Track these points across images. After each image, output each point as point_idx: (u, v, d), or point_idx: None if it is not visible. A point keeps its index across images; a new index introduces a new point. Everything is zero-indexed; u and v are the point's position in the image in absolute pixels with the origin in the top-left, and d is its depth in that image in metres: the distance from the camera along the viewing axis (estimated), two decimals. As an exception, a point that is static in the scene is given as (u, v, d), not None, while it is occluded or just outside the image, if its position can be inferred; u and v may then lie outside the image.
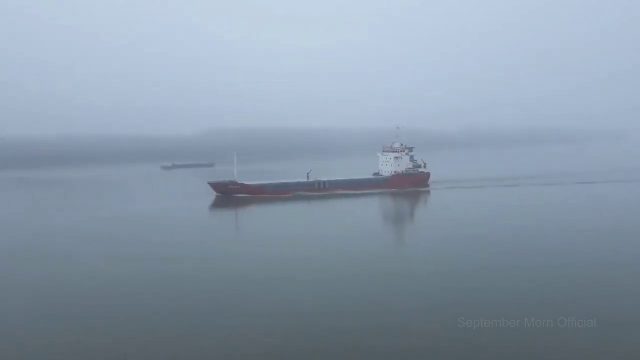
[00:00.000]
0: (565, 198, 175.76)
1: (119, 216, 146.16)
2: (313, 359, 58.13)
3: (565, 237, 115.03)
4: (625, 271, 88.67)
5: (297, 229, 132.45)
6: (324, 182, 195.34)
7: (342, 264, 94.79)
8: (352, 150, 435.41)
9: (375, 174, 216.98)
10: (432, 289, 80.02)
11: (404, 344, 60.54)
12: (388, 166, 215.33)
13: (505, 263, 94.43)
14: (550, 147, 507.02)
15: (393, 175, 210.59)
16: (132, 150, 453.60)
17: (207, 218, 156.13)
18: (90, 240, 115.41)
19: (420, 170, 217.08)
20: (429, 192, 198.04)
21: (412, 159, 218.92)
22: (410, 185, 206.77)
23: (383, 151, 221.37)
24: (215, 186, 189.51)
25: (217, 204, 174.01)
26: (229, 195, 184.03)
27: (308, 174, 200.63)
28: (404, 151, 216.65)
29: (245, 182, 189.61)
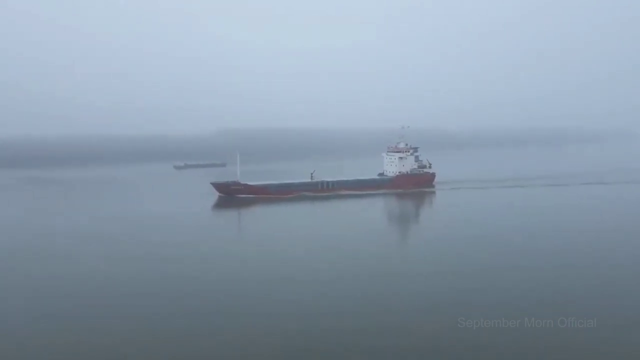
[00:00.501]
0: (567, 199, 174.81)
1: (119, 216, 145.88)
2: (313, 359, 57.92)
3: (566, 238, 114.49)
4: (626, 271, 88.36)
5: (299, 229, 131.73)
6: (328, 182, 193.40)
7: (343, 264, 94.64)
8: (354, 150, 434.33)
9: (380, 174, 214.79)
10: (432, 289, 79.85)
11: (404, 344, 60.47)
12: (392, 166, 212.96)
13: (505, 263, 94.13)
14: (553, 148, 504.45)
15: (397, 176, 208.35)
16: (144, 150, 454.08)
17: (208, 219, 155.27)
18: (90, 240, 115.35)
19: (425, 170, 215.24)
20: (434, 192, 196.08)
21: (416, 159, 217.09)
22: (415, 185, 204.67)
23: (387, 151, 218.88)
24: (217, 186, 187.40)
25: (220, 205, 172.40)
26: (232, 196, 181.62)
27: (312, 174, 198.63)
28: (408, 151, 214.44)
29: (248, 182, 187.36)
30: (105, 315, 69.74)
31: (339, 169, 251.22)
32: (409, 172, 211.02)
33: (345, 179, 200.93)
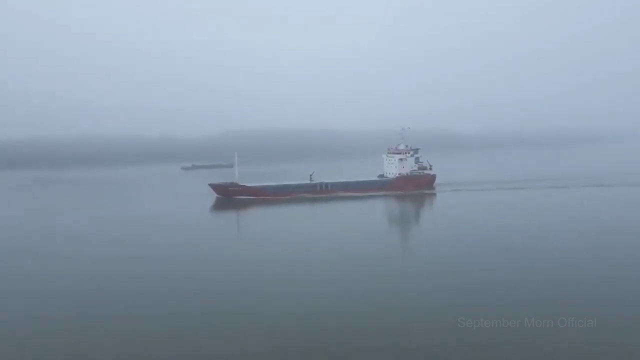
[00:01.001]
0: (569, 200, 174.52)
1: (119, 217, 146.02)
2: (313, 360, 57.72)
3: (566, 238, 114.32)
4: (625, 271, 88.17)
5: (298, 230, 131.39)
6: (327, 184, 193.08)
7: (343, 264, 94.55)
8: (354, 151, 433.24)
9: (380, 176, 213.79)
10: (432, 289, 79.68)
11: (403, 344, 60.42)
12: (392, 168, 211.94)
13: (505, 263, 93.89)
14: (553, 148, 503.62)
15: (397, 177, 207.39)
16: (153, 151, 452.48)
17: (207, 219, 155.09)
18: (90, 240, 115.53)
19: (425, 172, 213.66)
20: (434, 194, 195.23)
21: (417, 160, 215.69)
22: (415, 187, 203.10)
23: (387, 152, 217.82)
24: (215, 188, 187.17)
25: (218, 206, 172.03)
26: (230, 197, 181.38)
27: (311, 175, 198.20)
28: (408, 152, 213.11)
29: (246, 184, 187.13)
30: (105, 315, 69.78)
31: (339, 170, 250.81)
32: (408, 174, 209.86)
33: (344, 180, 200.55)
